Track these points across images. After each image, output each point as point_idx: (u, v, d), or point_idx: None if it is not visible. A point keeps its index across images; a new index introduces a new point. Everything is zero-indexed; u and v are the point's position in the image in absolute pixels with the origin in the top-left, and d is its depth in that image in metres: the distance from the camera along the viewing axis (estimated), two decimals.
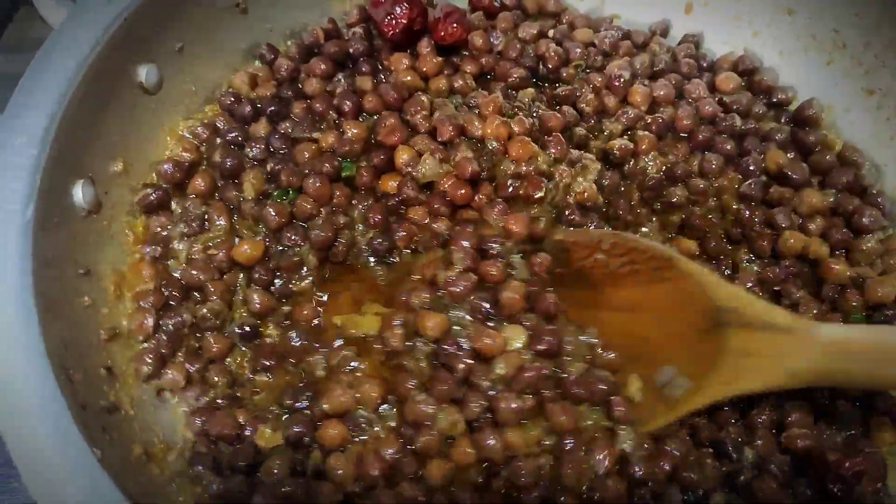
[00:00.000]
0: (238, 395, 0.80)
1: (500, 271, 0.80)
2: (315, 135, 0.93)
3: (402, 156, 0.89)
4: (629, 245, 0.82)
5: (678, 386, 0.76)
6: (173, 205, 0.89)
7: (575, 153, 0.92)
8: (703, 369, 0.74)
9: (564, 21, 1.08)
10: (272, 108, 0.95)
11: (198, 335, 0.82)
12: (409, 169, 0.88)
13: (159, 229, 0.86)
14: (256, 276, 0.85)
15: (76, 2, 0.82)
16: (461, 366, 0.75)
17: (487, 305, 0.78)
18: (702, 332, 0.76)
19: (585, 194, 0.90)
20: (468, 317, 0.78)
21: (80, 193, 0.77)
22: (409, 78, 0.97)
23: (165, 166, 0.88)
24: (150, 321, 0.79)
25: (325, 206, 0.88)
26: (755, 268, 0.89)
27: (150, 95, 0.87)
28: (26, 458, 0.60)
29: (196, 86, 0.95)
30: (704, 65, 1.05)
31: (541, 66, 1.04)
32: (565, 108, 0.98)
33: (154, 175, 0.89)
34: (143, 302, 0.81)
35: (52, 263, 0.72)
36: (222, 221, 0.87)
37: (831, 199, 0.92)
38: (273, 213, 0.85)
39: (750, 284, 0.85)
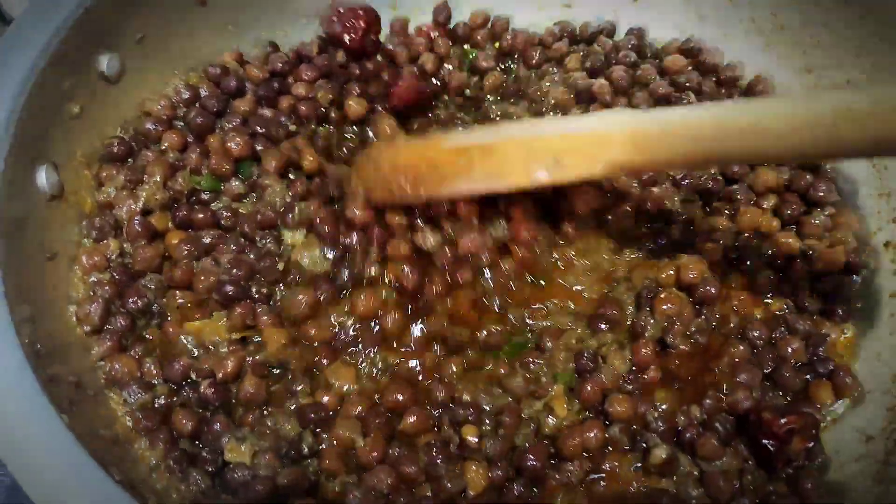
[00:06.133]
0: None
1: None
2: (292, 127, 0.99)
3: None
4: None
5: None
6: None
7: None
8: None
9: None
10: (264, 91, 1.01)
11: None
12: None
13: (106, 180, 0.89)
14: None
15: None
16: None
17: None
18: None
19: None
20: None
21: (43, 178, 0.80)
22: None
23: (149, 125, 0.94)
24: (96, 311, 0.80)
25: None
26: None
27: (111, 84, 0.90)
28: None
29: (157, 76, 0.98)
30: (649, 54, 1.12)
31: None
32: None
33: (131, 129, 0.95)
34: (93, 291, 0.83)
35: (18, 247, 0.75)
36: (157, 177, 0.90)
37: (786, 177, 0.97)
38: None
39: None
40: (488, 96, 1.10)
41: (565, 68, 1.10)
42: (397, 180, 0.83)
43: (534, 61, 1.11)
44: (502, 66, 1.13)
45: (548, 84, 1.07)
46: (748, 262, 0.91)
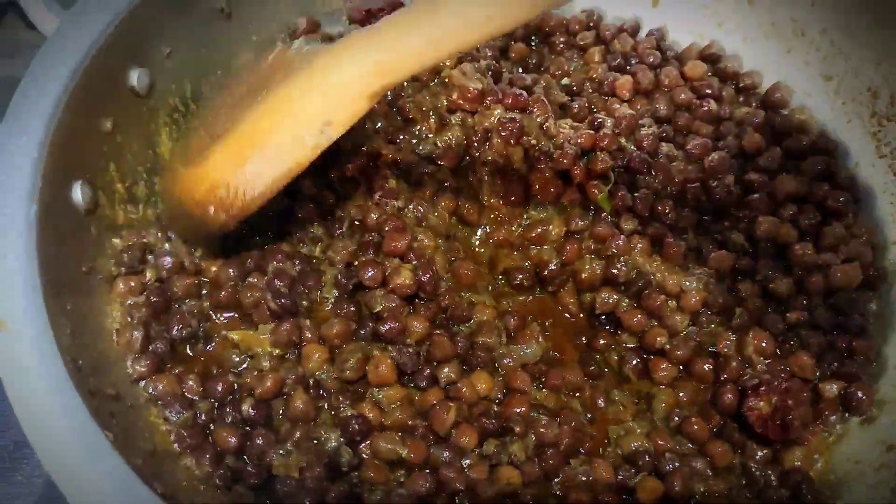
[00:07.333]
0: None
1: None
2: None
3: None
4: None
5: None
6: None
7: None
8: None
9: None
10: None
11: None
12: None
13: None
14: None
15: (69, 10, 0.86)
16: None
17: None
18: None
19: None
20: None
21: (79, 194, 0.82)
22: None
23: None
24: (138, 337, 0.82)
25: None
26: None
27: (140, 98, 0.91)
28: (41, 440, 0.64)
29: (183, 90, 0.99)
30: (670, 55, 1.12)
31: None
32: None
33: None
34: (130, 315, 0.84)
35: (55, 261, 0.76)
36: None
37: (805, 186, 0.97)
38: None
39: None
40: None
41: (585, 60, 1.11)
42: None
43: (559, 47, 1.13)
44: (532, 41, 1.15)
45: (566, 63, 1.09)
46: (762, 273, 0.92)
